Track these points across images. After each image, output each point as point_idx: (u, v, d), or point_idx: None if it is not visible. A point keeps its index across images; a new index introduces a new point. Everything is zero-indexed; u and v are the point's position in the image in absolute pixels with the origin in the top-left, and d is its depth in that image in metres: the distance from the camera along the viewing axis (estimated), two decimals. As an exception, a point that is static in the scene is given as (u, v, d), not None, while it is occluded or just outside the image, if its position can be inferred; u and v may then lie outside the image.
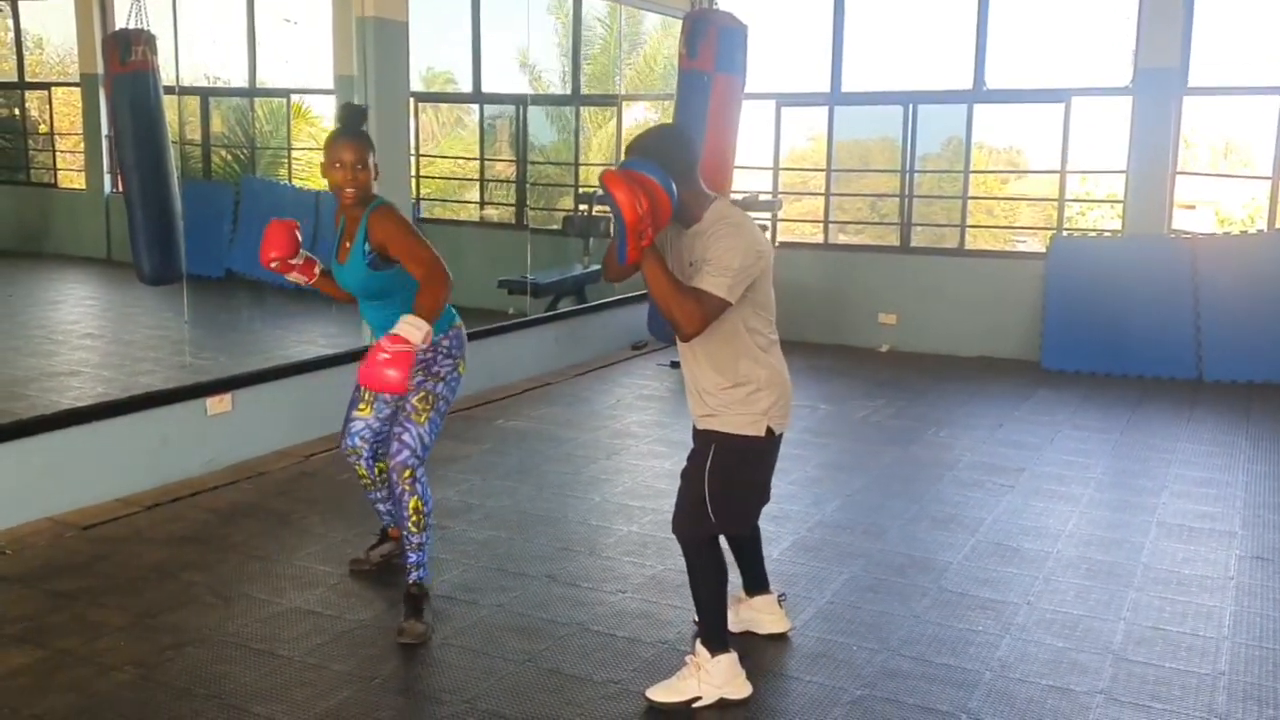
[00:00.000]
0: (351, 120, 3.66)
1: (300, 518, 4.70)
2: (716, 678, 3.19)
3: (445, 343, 3.75)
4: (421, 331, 3.22)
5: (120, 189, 7.57)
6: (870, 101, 9.27)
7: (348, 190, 3.57)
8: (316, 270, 3.82)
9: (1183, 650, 3.61)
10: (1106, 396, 7.38)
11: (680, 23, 9.41)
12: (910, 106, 8.83)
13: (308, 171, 9.35)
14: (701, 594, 3.26)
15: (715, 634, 3.23)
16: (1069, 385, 7.71)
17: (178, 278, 6.83)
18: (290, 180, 9.54)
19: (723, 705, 3.19)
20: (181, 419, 5.17)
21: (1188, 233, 8.32)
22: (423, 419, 3.67)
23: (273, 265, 3.71)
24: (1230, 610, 3.92)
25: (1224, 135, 11.61)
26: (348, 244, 3.67)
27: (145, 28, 6.62)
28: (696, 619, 3.68)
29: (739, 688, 3.22)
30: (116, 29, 6.72)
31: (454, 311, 3.81)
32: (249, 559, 4.26)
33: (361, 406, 3.90)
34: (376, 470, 3.99)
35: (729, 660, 3.22)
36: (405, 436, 3.65)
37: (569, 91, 10.04)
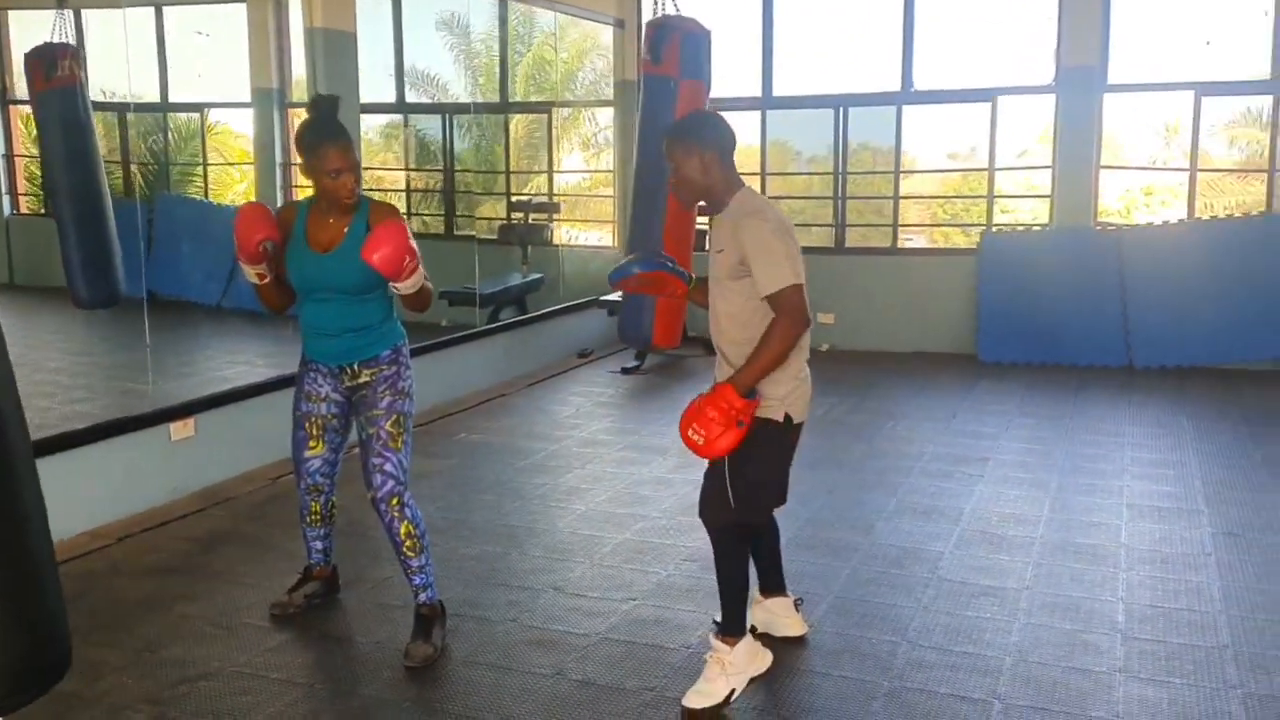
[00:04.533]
0: (329, 115, 3.48)
1: (282, 542, 4.56)
2: (740, 663, 3.24)
3: (406, 350, 3.69)
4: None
5: (19, 210, 7.31)
6: (801, 105, 9.40)
7: (347, 200, 3.47)
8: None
9: (1184, 626, 3.74)
10: (1047, 385, 7.61)
11: (607, 29, 9.49)
12: (841, 109, 8.99)
13: (219, 187, 9.20)
14: (726, 580, 3.29)
15: (736, 620, 3.29)
16: (1008, 376, 7.93)
17: (115, 300, 6.59)
18: (208, 197, 9.28)
19: (762, 706, 3.19)
20: (145, 446, 4.98)
21: (1113, 225, 8.63)
22: (399, 444, 3.57)
23: (261, 249, 3.44)
24: (1218, 585, 4.08)
25: (1148, 129, 12.02)
26: (325, 240, 3.50)
27: (70, 42, 6.37)
28: (717, 619, 3.70)
29: (761, 661, 3.32)
30: (40, 44, 6.44)
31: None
32: (240, 587, 4.12)
33: (312, 444, 3.71)
34: (330, 505, 3.85)
35: (746, 643, 3.28)
36: (387, 466, 3.55)
37: (497, 99, 9.97)
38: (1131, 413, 6.80)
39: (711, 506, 3.31)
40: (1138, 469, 5.57)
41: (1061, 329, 8.22)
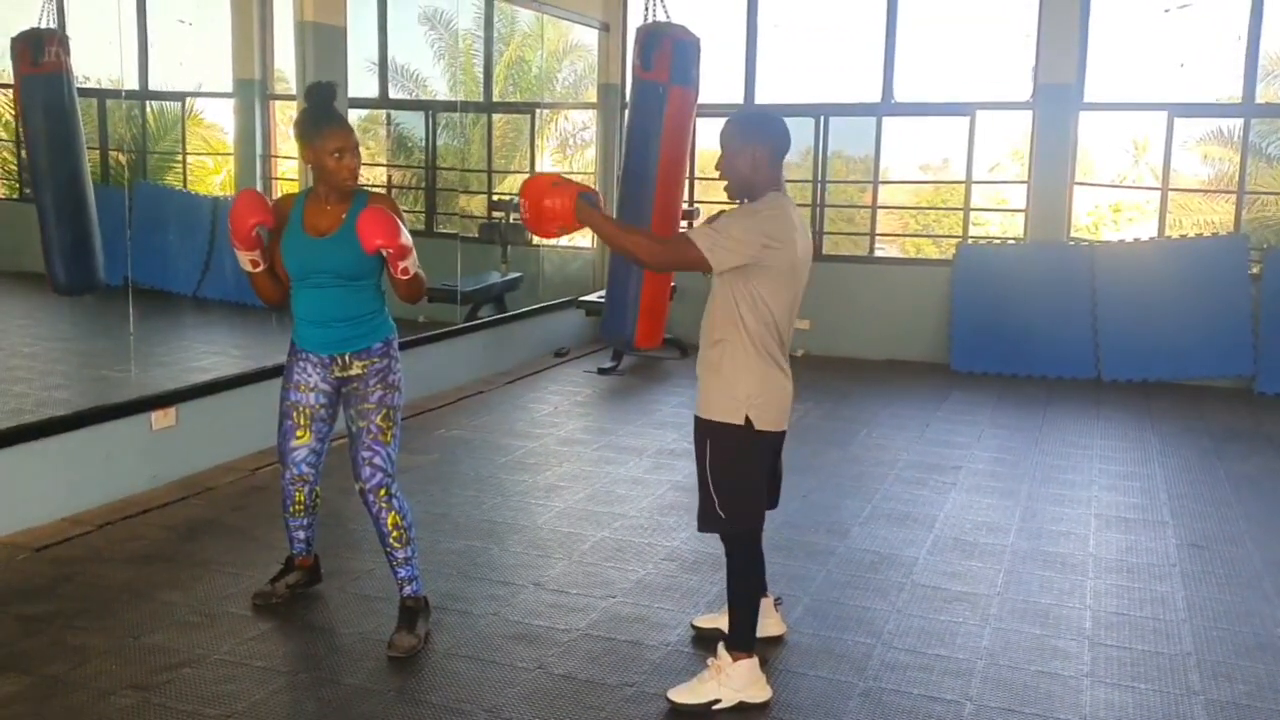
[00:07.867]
0: (327, 100, 3.55)
1: (264, 533, 4.58)
2: (737, 681, 3.25)
3: (396, 342, 3.73)
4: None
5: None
6: (783, 113, 9.47)
7: (350, 182, 3.55)
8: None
9: (1149, 634, 3.84)
10: (1018, 396, 7.73)
11: (596, 34, 9.54)
12: (822, 118, 9.09)
13: (197, 177, 9.22)
14: (738, 592, 3.32)
15: (744, 635, 3.29)
16: (980, 386, 8.05)
17: (95, 287, 6.59)
18: (185, 186, 9.26)
19: (743, 708, 3.25)
20: (126, 434, 4.98)
21: (1085, 240, 8.78)
22: (389, 437, 3.62)
23: (255, 234, 3.49)
24: (1182, 595, 4.19)
25: (1117, 146, 12.25)
26: (323, 225, 3.55)
27: (57, 27, 6.35)
28: (695, 624, 3.76)
29: (759, 691, 3.28)
30: (28, 28, 6.41)
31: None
32: (222, 576, 4.14)
33: (300, 434, 3.71)
34: (314, 495, 3.86)
35: (750, 664, 3.28)
36: (376, 460, 3.59)
37: (480, 98, 10.00)
38: (1100, 426, 6.93)
39: (705, 519, 3.36)
40: (1105, 480, 5.69)
41: (1033, 341, 8.36)
